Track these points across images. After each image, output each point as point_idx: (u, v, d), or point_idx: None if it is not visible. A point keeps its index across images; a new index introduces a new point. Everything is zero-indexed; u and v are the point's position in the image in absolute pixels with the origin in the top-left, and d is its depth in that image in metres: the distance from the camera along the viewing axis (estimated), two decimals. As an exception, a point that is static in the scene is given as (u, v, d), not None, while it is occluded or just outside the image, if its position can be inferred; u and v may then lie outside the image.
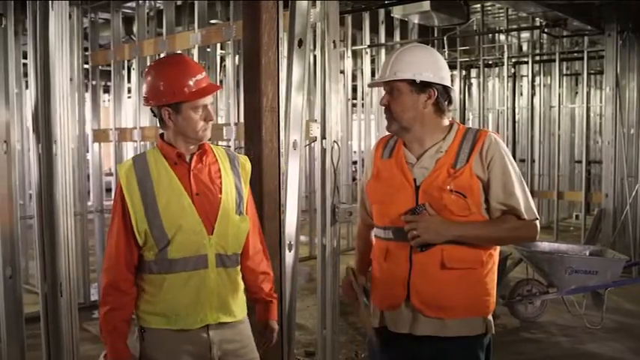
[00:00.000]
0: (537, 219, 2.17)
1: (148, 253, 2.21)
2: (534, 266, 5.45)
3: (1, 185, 3.07)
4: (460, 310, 2.12)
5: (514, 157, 8.54)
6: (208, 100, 2.25)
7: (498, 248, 2.24)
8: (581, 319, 5.39)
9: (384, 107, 2.22)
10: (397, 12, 8.51)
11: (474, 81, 11.89)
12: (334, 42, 4.11)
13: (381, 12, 8.96)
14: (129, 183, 2.20)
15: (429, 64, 2.17)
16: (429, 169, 2.14)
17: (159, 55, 5.33)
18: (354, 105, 12.64)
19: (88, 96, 6.75)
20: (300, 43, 3.87)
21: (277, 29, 3.59)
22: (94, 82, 6.34)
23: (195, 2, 5.11)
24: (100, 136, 6.03)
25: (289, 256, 3.86)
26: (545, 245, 5.74)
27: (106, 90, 12.61)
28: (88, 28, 6.30)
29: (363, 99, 10.34)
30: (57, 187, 2.82)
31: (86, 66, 6.36)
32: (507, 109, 10.34)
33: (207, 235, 2.23)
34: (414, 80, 2.13)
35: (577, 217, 11.09)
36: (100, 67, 6.61)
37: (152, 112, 2.30)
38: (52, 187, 2.85)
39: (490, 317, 2.21)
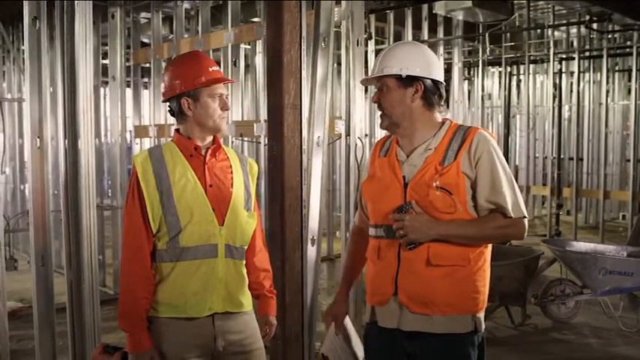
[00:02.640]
0: (525, 217, 2.16)
1: (160, 242, 2.30)
2: (567, 266, 5.36)
3: (35, 178, 3.24)
4: (446, 307, 2.13)
5: (560, 155, 8.36)
6: (224, 90, 2.38)
7: (490, 246, 2.24)
8: (617, 321, 5.27)
9: (376, 105, 2.26)
10: (440, 8, 8.45)
11: (517, 78, 11.70)
12: (358, 40, 4.17)
13: (424, 8, 8.89)
14: (145, 172, 2.30)
15: (416, 59, 2.20)
16: (417, 167, 2.17)
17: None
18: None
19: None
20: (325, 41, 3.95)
21: (300, 28, 3.67)
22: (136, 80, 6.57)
23: (229, 2, 5.23)
24: (141, 132, 6.24)
25: (312, 250, 3.95)
26: (580, 245, 5.63)
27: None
28: (130, 27, 6.52)
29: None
30: (80, 180, 2.97)
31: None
32: (554, 106, 10.11)
33: (218, 225, 2.32)
34: (401, 75, 2.17)
35: (624, 217, 10.79)
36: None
37: (170, 109, 2.42)
38: (77, 181, 3.00)
39: (480, 315, 2.19)
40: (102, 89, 7.36)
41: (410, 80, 2.18)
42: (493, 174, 2.12)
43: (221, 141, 2.45)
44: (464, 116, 11.11)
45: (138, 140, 6.39)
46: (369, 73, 2.31)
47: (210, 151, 2.38)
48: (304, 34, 3.74)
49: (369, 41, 8.34)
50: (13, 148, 8.11)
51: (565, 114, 11.59)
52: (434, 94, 2.22)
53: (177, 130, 2.41)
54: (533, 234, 9.81)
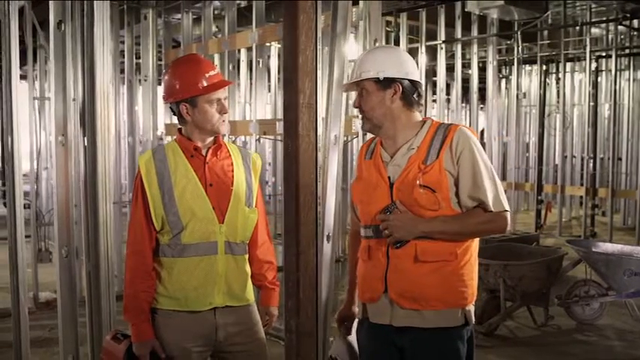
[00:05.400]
0: (507, 211, 2.18)
1: (163, 238, 2.41)
2: (592, 267, 5.29)
3: (59, 174, 3.38)
4: (435, 302, 2.17)
5: (595, 155, 8.21)
6: (222, 94, 2.44)
7: (476, 240, 2.27)
8: (642, 323, 5.19)
9: (357, 109, 2.32)
10: (472, 7, 8.40)
11: (555, 76, 11.52)
12: (375, 40, 4.21)
13: (458, 6, 8.85)
14: (148, 172, 2.40)
15: (392, 61, 2.25)
16: (401, 167, 2.22)
17: (222, 53, 5.64)
18: (433, 100, 12.57)
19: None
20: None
21: (315, 29, 3.75)
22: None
23: (254, 2, 5.34)
24: (172, 129, 6.41)
25: (327, 247, 4.01)
26: (607, 246, 5.55)
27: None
28: (161, 28, 6.70)
29: (435, 94, 10.26)
30: (98, 176, 3.10)
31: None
32: (590, 105, 9.92)
33: (219, 223, 2.40)
34: (379, 78, 2.22)
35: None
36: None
37: (171, 109, 2.51)
38: (95, 177, 3.13)
39: (469, 308, 2.23)
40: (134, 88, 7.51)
41: (388, 82, 2.23)
42: (474, 169, 2.15)
43: (223, 139, 2.54)
44: (499, 115, 11.02)
45: (169, 138, 6.56)
46: (348, 79, 2.37)
47: (210, 151, 2.46)
48: (320, 34, 3.82)
49: (400, 40, 8.37)
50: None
51: (605, 113, 11.37)
52: (412, 93, 2.27)
53: (179, 130, 2.50)
54: (568, 235, 9.68)
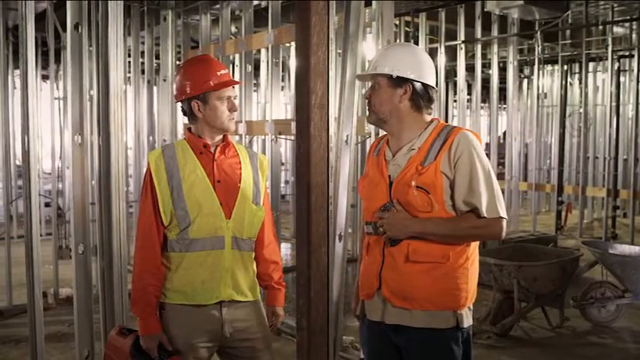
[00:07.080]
0: (502, 218, 2.17)
1: (171, 233, 2.47)
2: (608, 269, 5.25)
3: (75, 173, 3.47)
4: (425, 302, 2.19)
5: (617, 156, 8.10)
6: (232, 92, 2.52)
7: (474, 244, 2.26)
8: (660, 326, 5.14)
9: (367, 100, 2.35)
10: (492, 7, 8.35)
11: (578, 75, 11.40)
12: (388, 41, 4.24)
13: (478, 6, 8.81)
14: (157, 168, 2.47)
15: (408, 62, 2.26)
16: (401, 166, 2.24)
17: (240, 53, 5.71)
18: (454, 101, 12.54)
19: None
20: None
21: (327, 30, 3.79)
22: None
23: (270, 3, 5.40)
24: (190, 129, 6.49)
25: (339, 246, 4.05)
26: (623, 248, 5.50)
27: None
28: (181, 29, 6.79)
29: (456, 95, 10.22)
30: (112, 175, 3.19)
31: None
32: (612, 105, 9.81)
33: (225, 218, 2.46)
34: (392, 75, 2.24)
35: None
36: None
37: (182, 109, 2.58)
38: (109, 175, 3.21)
39: (462, 312, 2.22)
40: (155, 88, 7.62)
41: (400, 81, 2.25)
42: (471, 174, 2.15)
43: (230, 138, 2.59)
44: (520, 115, 10.95)
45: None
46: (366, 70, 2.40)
47: (219, 149, 2.52)
48: (333, 35, 3.86)
49: (419, 40, 8.37)
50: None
51: (628, 113, 11.23)
52: (422, 97, 2.27)
53: (189, 129, 2.57)
54: (589, 236, 9.58)
